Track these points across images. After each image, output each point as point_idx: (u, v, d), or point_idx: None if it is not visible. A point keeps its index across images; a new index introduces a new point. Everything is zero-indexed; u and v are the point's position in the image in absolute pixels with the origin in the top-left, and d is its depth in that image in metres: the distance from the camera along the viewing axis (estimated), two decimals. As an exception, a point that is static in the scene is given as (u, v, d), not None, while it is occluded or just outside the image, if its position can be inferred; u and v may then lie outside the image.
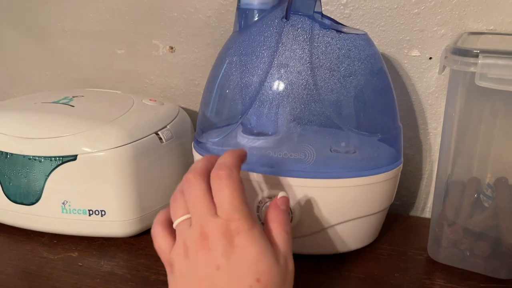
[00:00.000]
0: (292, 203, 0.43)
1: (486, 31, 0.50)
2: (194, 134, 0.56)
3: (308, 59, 0.41)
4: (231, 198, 0.32)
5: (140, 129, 0.49)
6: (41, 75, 0.69)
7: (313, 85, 0.41)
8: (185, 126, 0.56)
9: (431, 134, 0.56)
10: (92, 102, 0.54)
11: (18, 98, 0.56)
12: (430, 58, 0.53)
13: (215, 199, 0.33)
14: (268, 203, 0.43)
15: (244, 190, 0.33)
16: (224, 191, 0.32)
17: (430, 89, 0.54)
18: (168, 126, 0.52)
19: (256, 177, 0.44)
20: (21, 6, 0.66)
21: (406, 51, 0.54)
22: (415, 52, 0.53)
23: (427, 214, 0.58)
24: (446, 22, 0.51)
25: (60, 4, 0.64)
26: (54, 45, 0.67)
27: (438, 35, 0.52)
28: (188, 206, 0.34)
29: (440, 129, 0.55)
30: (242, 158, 0.36)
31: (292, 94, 0.41)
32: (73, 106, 0.52)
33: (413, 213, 0.59)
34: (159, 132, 0.51)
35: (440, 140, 0.53)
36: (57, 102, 0.52)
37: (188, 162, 0.55)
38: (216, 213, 0.32)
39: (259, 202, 0.44)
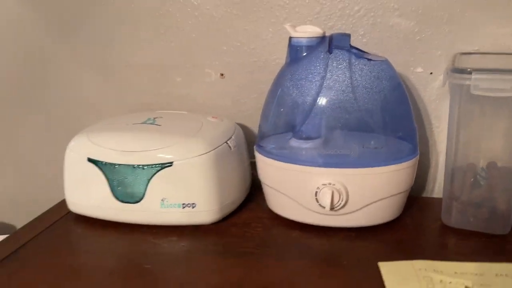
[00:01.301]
0: (341, 187, 0.58)
1: (472, 51, 0.66)
2: (246, 143, 0.71)
3: (349, 81, 0.56)
4: None
5: (216, 139, 0.63)
6: (108, 103, 0.83)
7: (354, 100, 0.56)
8: (240, 136, 0.71)
9: (435, 132, 0.71)
10: (171, 121, 0.69)
11: (106, 122, 0.70)
12: (431, 73, 0.69)
13: None
14: (323, 190, 0.58)
15: None
16: None
17: (432, 97, 0.70)
18: (232, 137, 0.67)
19: (312, 170, 0.58)
20: (93, 48, 0.80)
21: (412, 68, 0.69)
22: (419, 69, 0.69)
23: (435, 194, 0.73)
24: (441, 46, 0.67)
25: (126, 44, 0.79)
26: (120, 77, 0.81)
27: (436, 55, 0.68)
28: None
29: (441, 127, 0.71)
30: None
31: (338, 107, 0.57)
32: (159, 125, 0.66)
33: (424, 194, 0.74)
34: (228, 142, 0.65)
35: (442, 136, 0.69)
36: (145, 123, 0.67)
37: (244, 164, 0.70)
38: None
39: (317, 189, 0.58)
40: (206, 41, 0.76)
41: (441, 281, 0.49)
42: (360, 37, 0.69)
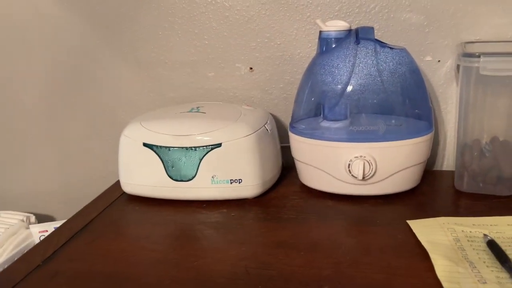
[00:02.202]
0: (371, 159, 0.67)
1: (474, 40, 0.76)
2: (276, 127, 0.80)
3: (375, 67, 0.65)
4: None
5: (256, 123, 0.72)
6: (146, 97, 0.91)
7: (381, 82, 0.65)
8: (273, 122, 0.79)
9: (443, 112, 0.81)
10: (213, 109, 0.77)
11: (154, 112, 0.78)
12: (439, 61, 0.78)
13: None
14: (355, 162, 0.67)
15: None
16: None
17: (440, 82, 0.80)
18: (268, 121, 0.76)
19: (344, 145, 0.67)
20: (133, 47, 0.88)
21: (422, 57, 0.79)
22: (428, 58, 0.79)
23: (444, 167, 0.83)
24: (447, 36, 0.77)
25: (163, 43, 0.87)
26: (157, 74, 0.89)
27: (443, 45, 0.78)
28: None
29: (448, 109, 0.81)
30: None
31: (367, 90, 0.66)
32: (204, 112, 0.74)
33: (434, 168, 0.84)
34: (265, 125, 0.74)
35: (449, 116, 0.79)
36: (190, 111, 0.75)
37: (277, 146, 0.78)
38: None
39: (349, 161, 0.67)
40: (236, 38, 0.84)
41: (462, 231, 0.58)
42: (376, 31, 0.78)
